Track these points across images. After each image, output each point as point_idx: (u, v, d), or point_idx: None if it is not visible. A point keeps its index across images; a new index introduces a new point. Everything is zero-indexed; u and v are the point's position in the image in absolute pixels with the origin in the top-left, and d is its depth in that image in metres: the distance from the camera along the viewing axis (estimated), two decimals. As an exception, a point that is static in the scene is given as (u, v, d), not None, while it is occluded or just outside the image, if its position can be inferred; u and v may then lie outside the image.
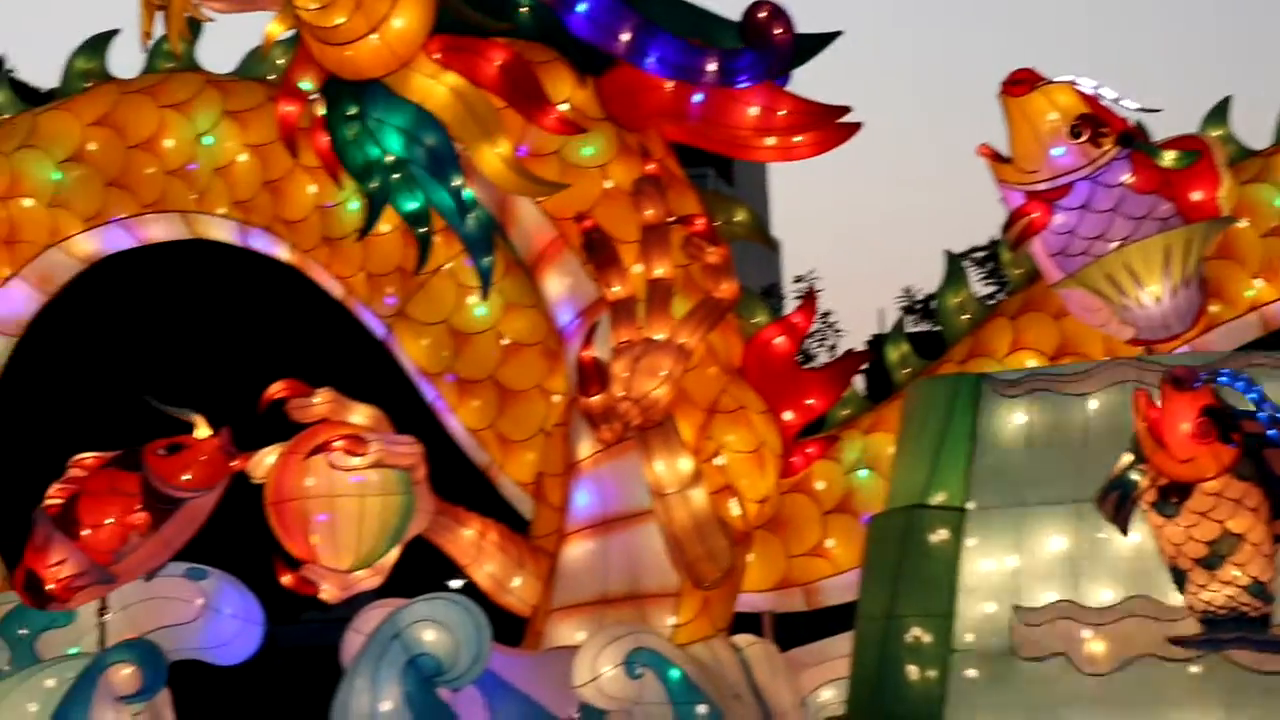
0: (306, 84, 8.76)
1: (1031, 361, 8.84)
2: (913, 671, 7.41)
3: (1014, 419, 7.59)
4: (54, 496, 8.45)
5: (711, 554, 8.15)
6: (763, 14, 8.46)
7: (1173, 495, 6.71)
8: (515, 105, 8.56)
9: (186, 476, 8.41)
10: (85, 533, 8.32)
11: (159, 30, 9.29)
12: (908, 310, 29.03)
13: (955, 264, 9.55)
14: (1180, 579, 6.86)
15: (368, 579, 8.57)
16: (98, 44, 10.28)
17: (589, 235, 8.00)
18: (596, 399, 7.67)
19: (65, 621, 8.95)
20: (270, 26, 8.74)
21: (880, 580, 7.75)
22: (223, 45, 10.08)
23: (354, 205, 9.61)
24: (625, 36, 8.61)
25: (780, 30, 8.45)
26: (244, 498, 8.59)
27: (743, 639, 8.70)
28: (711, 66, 8.52)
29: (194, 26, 9.47)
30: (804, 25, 8.55)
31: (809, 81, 8.73)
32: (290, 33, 8.78)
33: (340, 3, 8.40)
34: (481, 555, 9.01)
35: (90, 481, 8.42)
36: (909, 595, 7.54)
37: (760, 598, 9.10)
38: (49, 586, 8.36)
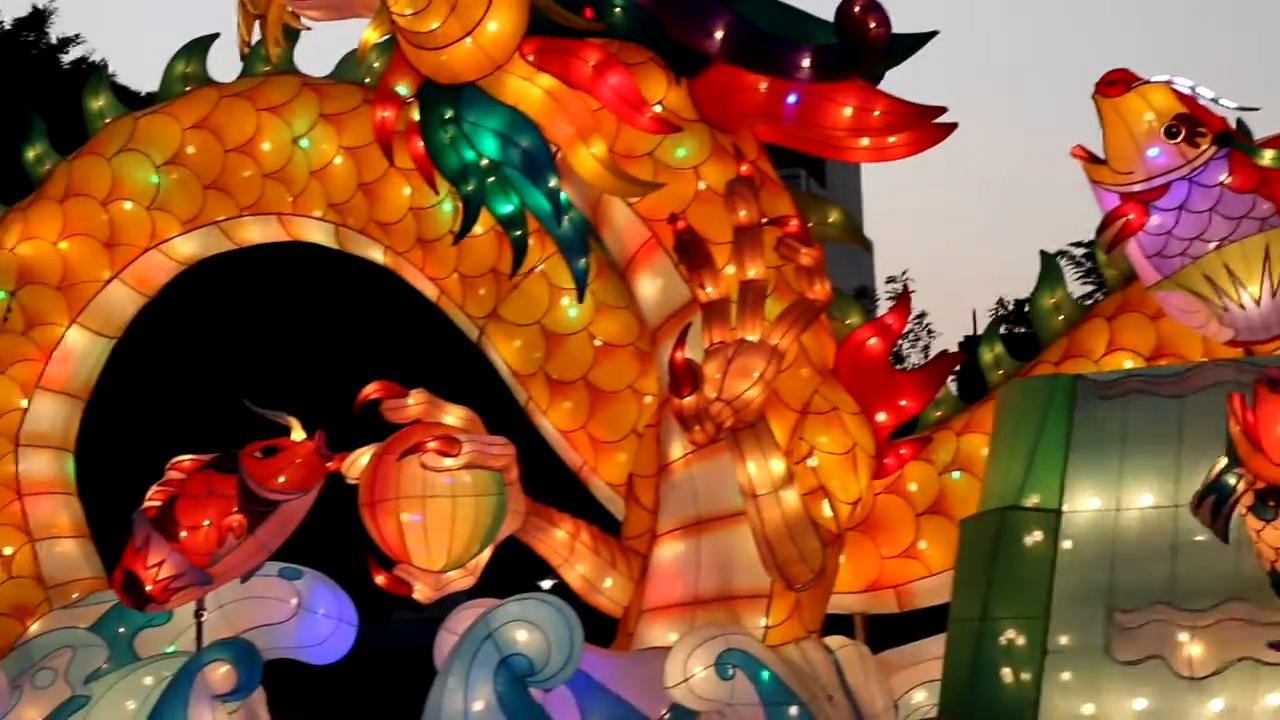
0: (402, 88, 8.81)
1: (1128, 363, 8.75)
2: (1006, 674, 7.37)
3: (1110, 421, 7.53)
4: (153, 498, 8.55)
5: (803, 556, 8.12)
6: (857, 8, 8.42)
7: (1270, 499, 6.64)
8: (609, 105, 8.57)
9: (282, 479, 8.49)
10: (183, 535, 8.41)
11: (257, 36, 9.37)
12: (1000, 317, 28.88)
13: (1051, 264, 9.48)
14: (1278, 583, 6.79)
15: (460, 579, 8.60)
16: (197, 48, 10.40)
17: (682, 236, 7.99)
18: (689, 400, 7.66)
19: (163, 620, 9.06)
20: (366, 33, 8.80)
21: (974, 582, 7.71)
22: (319, 48, 10.18)
23: (448, 207, 9.68)
24: (719, 34, 8.60)
25: (875, 24, 8.41)
26: (338, 498, 8.66)
27: (835, 641, 8.66)
28: (805, 62, 8.49)
29: (290, 34, 9.56)
30: (898, 25, 8.51)
31: (903, 82, 8.70)
32: (386, 38, 8.82)
33: (435, 7, 8.44)
34: (573, 556, 9.03)
35: (188, 484, 8.52)
36: (1003, 597, 7.49)
37: (852, 599, 9.07)
38: (148, 588, 8.46)
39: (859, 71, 8.52)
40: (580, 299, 9.20)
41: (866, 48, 8.42)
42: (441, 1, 8.41)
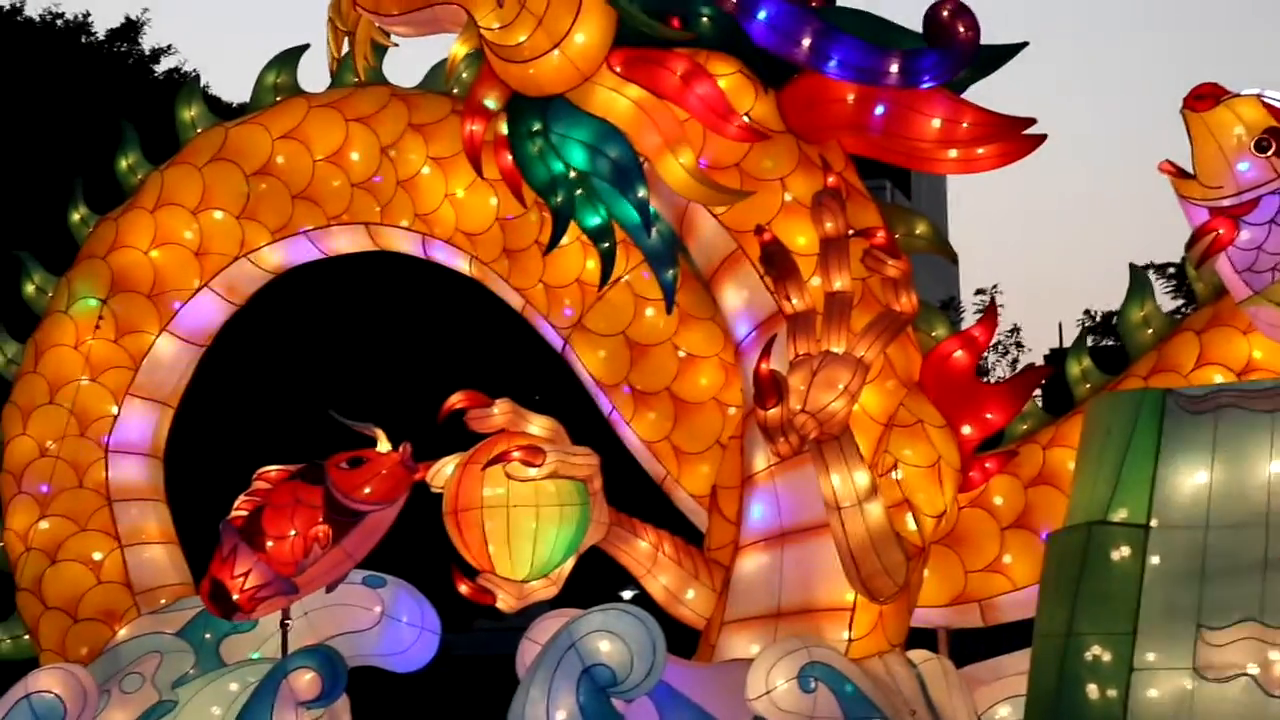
0: (490, 102, 8.84)
1: (1218, 377, 8.65)
2: (1092, 690, 7.30)
3: (1200, 435, 7.44)
4: (240, 508, 8.63)
5: (887, 569, 8.08)
6: (946, 11, 8.38)
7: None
8: (697, 114, 8.58)
9: (367, 490, 8.54)
10: (269, 544, 8.48)
11: (345, 50, 9.44)
12: (1088, 330, 28.67)
13: (1139, 277, 9.39)
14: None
15: (543, 589, 8.63)
16: (288, 59, 10.49)
17: (768, 248, 7.97)
18: (773, 412, 7.64)
19: (248, 627, 9.13)
20: (454, 47, 8.84)
21: (1059, 597, 7.65)
22: (409, 58, 10.24)
23: (534, 217, 9.70)
24: (806, 41, 8.58)
25: (964, 28, 8.37)
26: (422, 506, 8.70)
27: (918, 654, 8.62)
28: (894, 67, 8.46)
29: (379, 50, 9.63)
30: (990, 35, 8.47)
31: (991, 92, 8.65)
32: (474, 52, 8.86)
33: (522, 21, 8.47)
34: (656, 567, 9.04)
35: (274, 494, 8.58)
36: (1089, 613, 7.42)
37: (936, 613, 9.01)
38: (234, 597, 8.54)
39: (948, 75, 8.48)
40: (669, 310, 9.19)
41: (955, 52, 8.38)
42: (529, 15, 8.44)
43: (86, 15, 25.24)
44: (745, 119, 8.61)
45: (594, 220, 8.93)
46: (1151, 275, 10.16)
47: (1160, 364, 8.94)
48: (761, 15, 8.65)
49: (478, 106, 8.88)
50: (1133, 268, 9.43)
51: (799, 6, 8.65)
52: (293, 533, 8.48)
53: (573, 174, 8.79)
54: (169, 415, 10.55)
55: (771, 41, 8.67)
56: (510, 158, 8.86)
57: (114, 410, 10.26)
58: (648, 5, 8.62)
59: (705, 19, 8.69)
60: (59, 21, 24.91)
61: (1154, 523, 7.38)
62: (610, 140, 8.64)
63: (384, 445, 8.63)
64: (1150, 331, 9.16)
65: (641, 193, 8.64)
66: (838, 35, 8.56)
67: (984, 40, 8.45)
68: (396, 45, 9.42)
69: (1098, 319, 29.82)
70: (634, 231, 8.87)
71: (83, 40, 24.88)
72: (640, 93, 8.63)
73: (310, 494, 8.54)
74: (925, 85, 8.48)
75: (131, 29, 25.66)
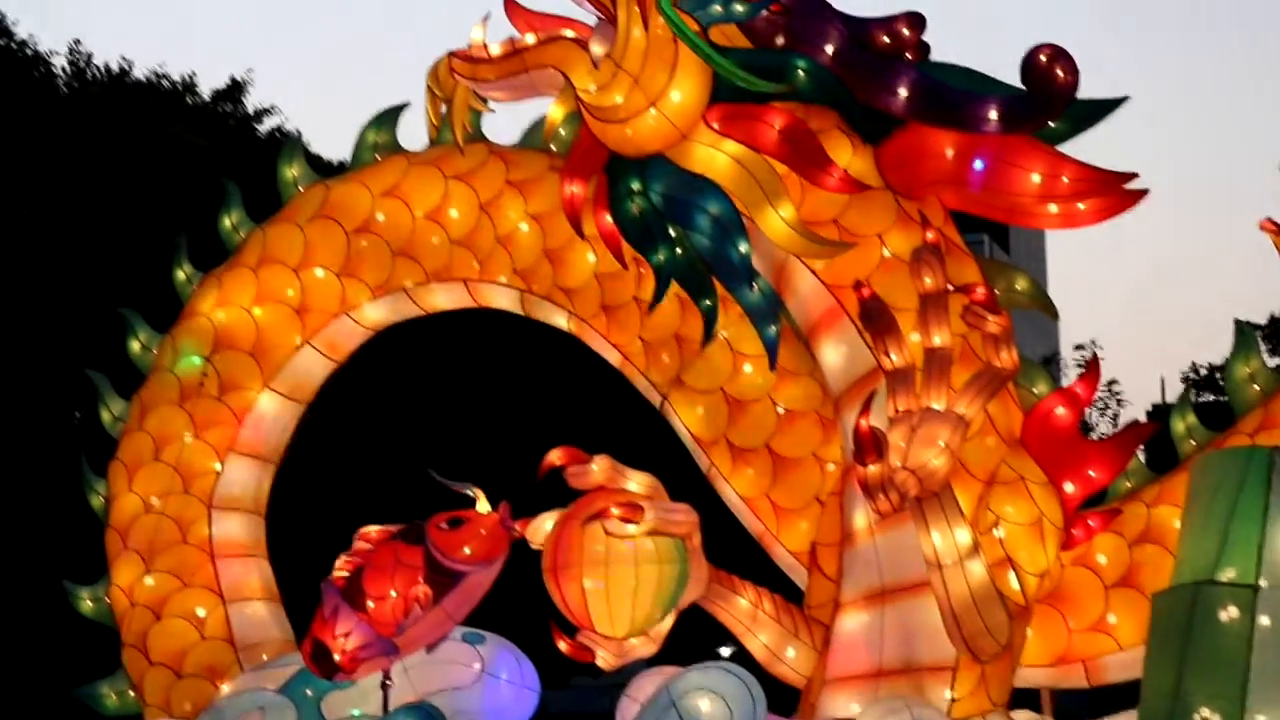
0: (589, 163, 8.87)
1: (1326, 435, 8.52)
2: (1201, 754, 7.18)
3: (1309, 494, 7.33)
4: (341, 568, 8.67)
5: (990, 628, 7.99)
6: (1044, 56, 8.32)
7: None
8: (796, 167, 8.55)
9: (467, 550, 8.56)
10: (370, 605, 8.52)
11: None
12: (1191, 384, 28.30)
13: (1245, 332, 9.27)
14: None
15: (642, 646, 8.60)
16: (388, 117, 10.60)
17: (867, 304, 7.94)
18: (873, 469, 7.59)
19: (349, 684, 9.16)
20: (551, 110, 8.88)
21: (1166, 658, 7.53)
22: (506, 113, 10.30)
23: (631, 273, 9.71)
24: (903, 91, 8.55)
25: (1063, 72, 8.31)
26: (521, 563, 8.70)
27: (1022, 715, 8.51)
28: (993, 114, 8.41)
29: (476, 115, 9.70)
30: (1095, 90, 8.41)
31: (1093, 147, 8.59)
32: (571, 113, 8.90)
33: (618, 82, 8.50)
34: (756, 625, 8.99)
35: (375, 554, 8.62)
36: (1197, 674, 7.30)
37: (1040, 673, 8.89)
38: (336, 657, 8.58)
39: (1048, 120, 8.42)
40: (772, 367, 9.14)
41: (1054, 96, 8.32)
42: (625, 75, 8.47)
43: (192, 76, 25.68)
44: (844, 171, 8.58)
45: (694, 278, 8.92)
46: (1258, 332, 10.01)
47: (1267, 421, 8.80)
48: (858, 66, 8.63)
49: (576, 168, 8.91)
50: (1238, 324, 9.31)
51: (895, 57, 8.63)
52: (393, 593, 8.51)
53: (673, 231, 8.79)
54: (271, 471, 10.64)
55: (868, 92, 8.64)
56: (610, 218, 8.88)
57: (217, 467, 10.37)
58: (744, 60, 8.62)
59: (801, 72, 8.67)
60: (165, 82, 25.32)
61: (1263, 583, 7.26)
62: (710, 196, 8.63)
63: (483, 505, 8.65)
64: (1256, 388, 9.03)
65: (744, 248, 8.62)
66: (935, 84, 8.53)
67: (1083, 94, 8.39)
68: (493, 111, 9.49)
69: (1201, 374, 29.46)
70: (734, 287, 8.84)
71: (189, 101, 25.27)
72: (738, 148, 8.62)
73: (411, 554, 8.56)
74: (1025, 130, 8.43)
75: (236, 89, 26.06)
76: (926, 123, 8.57)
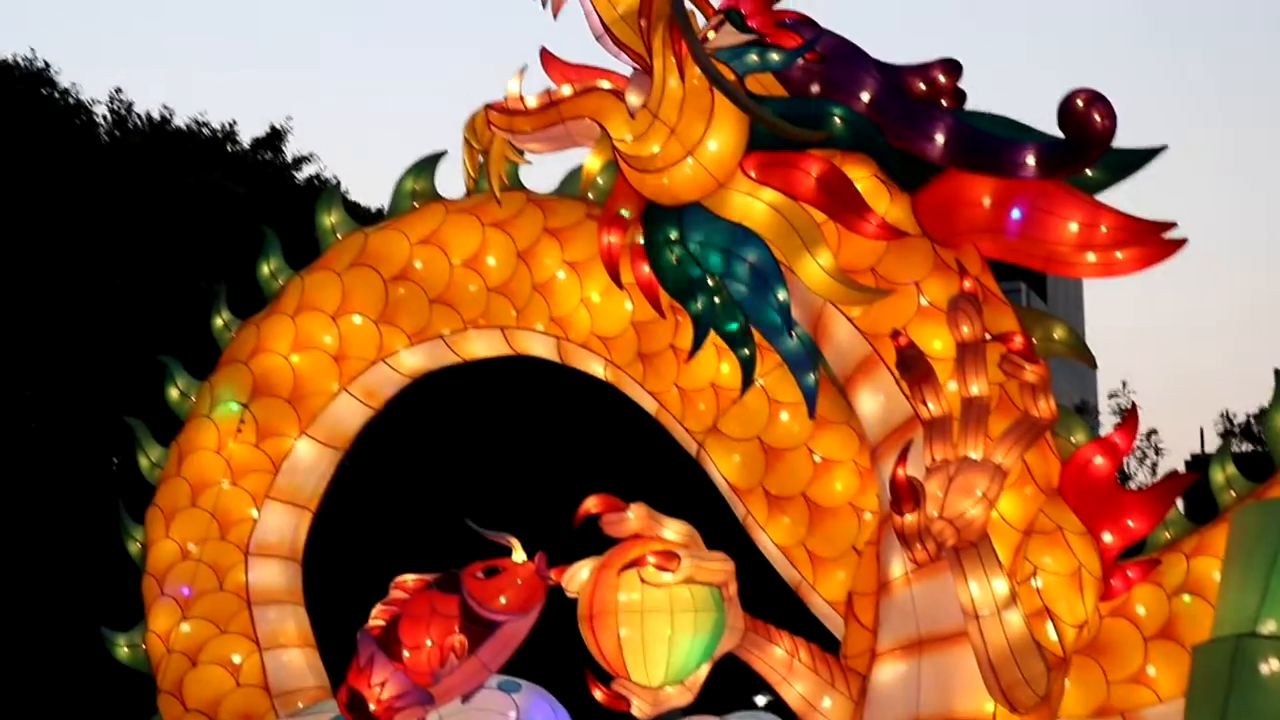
0: (626, 212, 8.90)
1: (1368, 486, 8.46)
2: (1242, 807, 7.12)
3: (1350, 545, 7.28)
4: (377, 617, 8.67)
5: (1028, 679, 7.94)
6: (1081, 100, 8.31)
7: None
8: (833, 214, 8.56)
9: (503, 600, 8.56)
10: (406, 654, 8.52)
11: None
12: (1227, 434, 28.15)
13: (1285, 383, 9.22)
14: None
15: (678, 695, 8.56)
16: (426, 165, 10.64)
17: (904, 352, 7.92)
18: (910, 518, 7.57)
19: (384, 731, 9.13)
20: (588, 161, 8.91)
21: (1207, 711, 7.47)
22: (544, 161, 10.33)
23: (668, 321, 9.72)
24: (939, 137, 8.55)
25: (1100, 116, 8.30)
26: (556, 610, 8.69)
27: (1060, 766, 8.45)
28: (1030, 159, 8.40)
29: (513, 167, 9.74)
30: (1134, 137, 8.39)
31: (1129, 197, 8.57)
32: (608, 163, 8.93)
33: (655, 131, 8.52)
34: (792, 674, 8.95)
35: (411, 603, 8.62)
36: (1238, 728, 7.25)
37: (1079, 725, 8.84)
38: (371, 706, 8.57)
39: (1086, 164, 8.41)
40: (811, 415, 9.12)
41: (1092, 142, 8.30)
42: (661, 125, 8.49)
43: (232, 124, 25.89)
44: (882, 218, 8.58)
45: (732, 326, 8.91)
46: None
47: (1308, 471, 8.75)
48: (894, 113, 8.65)
49: (613, 218, 8.93)
50: (1277, 373, 9.26)
51: (931, 104, 8.64)
52: (429, 642, 8.51)
53: (711, 280, 8.80)
54: (307, 519, 10.66)
55: (905, 138, 8.65)
56: (647, 268, 8.89)
57: (254, 514, 10.39)
58: (780, 109, 8.64)
59: (838, 120, 8.68)
60: (205, 130, 25.53)
61: (1304, 635, 7.21)
62: (748, 244, 8.64)
63: (519, 554, 8.66)
64: (1296, 438, 8.97)
65: (782, 295, 8.61)
66: (971, 130, 8.53)
67: (1121, 144, 8.38)
68: (530, 163, 9.53)
69: (1238, 423, 29.30)
70: (773, 336, 8.84)
71: (228, 149, 25.47)
72: (776, 195, 8.63)
73: (446, 603, 8.56)
74: (1063, 176, 8.42)
75: (275, 137, 26.26)
76: (963, 169, 8.56)
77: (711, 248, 8.70)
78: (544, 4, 8.79)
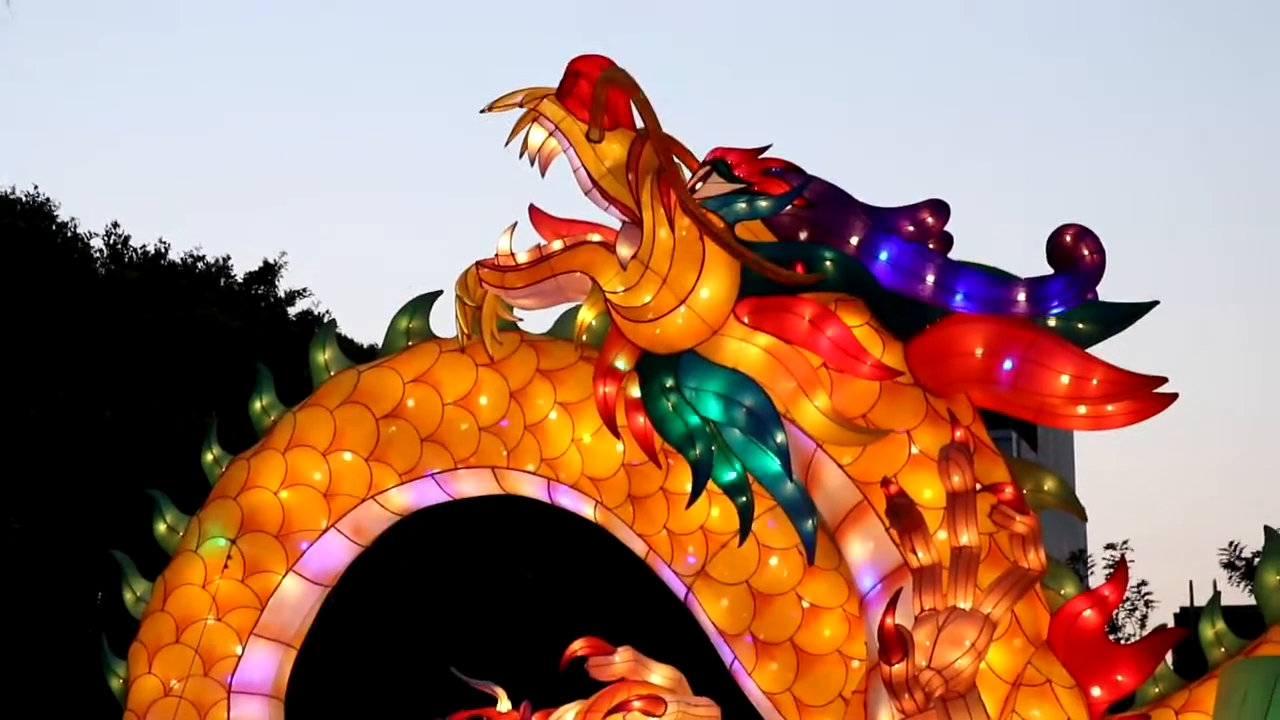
0: (621, 363, 8.94)
1: (1357, 646, 8.43)
2: None
3: (1340, 705, 7.24)
4: None
5: (1016, 831, 7.87)
6: (1069, 236, 8.42)
7: None
8: (828, 357, 8.60)
9: None
10: None
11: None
12: (1228, 565, 28.00)
13: (1275, 540, 9.22)
14: None
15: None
16: (421, 304, 10.67)
17: (894, 500, 7.94)
18: (898, 667, 7.54)
19: None
20: (581, 313, 8.97)
21: None
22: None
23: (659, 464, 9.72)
24: (930, 278, 8.63)
25: (1089, 251, 8.40)
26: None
27: None
28: (1021, 296, 8.49)
29: (505, 325, 9.81)
30: (1116, 294, 8.48)
31: (1119, 346, 8.64)
32: (601, 315, 8.98)
33: (647, 281, 8.59)
34: (778, 821, 8.87)
35: None
36: None
37: None
38: None
39: (1077, 300, 8.49)
40: (810, 561, 9.10)
41: (1083, 276, 8.39)
42: (653, 275, 8.57)
43: (227, 258, 26.00)
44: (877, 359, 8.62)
45: (729, 474, 8.91)
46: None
47: (1298, 629, 8.72)
48: (884, 256, 8.74)
49: (608, 369, 8.97)
50: (1268, 531, 9.26)
51: (920, 246, 8.73)
52: None
53: (709, 427, 8.81)
54: (292, 656, 10.58)
55: (895, 280, 8.72)
56: (642, 419, 8.92)
57: (238, 650, 10.31)
58: (770, 253, 8.72)
59: (829, 263, 8.77)
60: (200, 265, 25.63)
61: (1293, 794, 7.15)
62: (744, 389, 8.68)
63: (504, 704, 8.61)
64: (1287, 595, 8.96)
65: (780, 438, 8.63)
66: (961, 269, 8.62)
67: (1111, 300, 8.46)
68: (521, 320, 9.62)
69: (1240, 555, 28.94)
70: (770, 482, 8.84)
71: (222, 283, 25.56)
72: (770, 340, 8.69)
73: None
74: (1055, 311, 8.50)
75: (269, 272, 26.36)
76: (955, 308, 8.64)
77: (708, 394, 8.73)
78: (532, 162, 8.89)
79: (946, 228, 8.87)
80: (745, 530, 9.04)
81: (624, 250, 8.70)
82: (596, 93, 8.55)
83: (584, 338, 9.95)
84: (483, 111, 8.85)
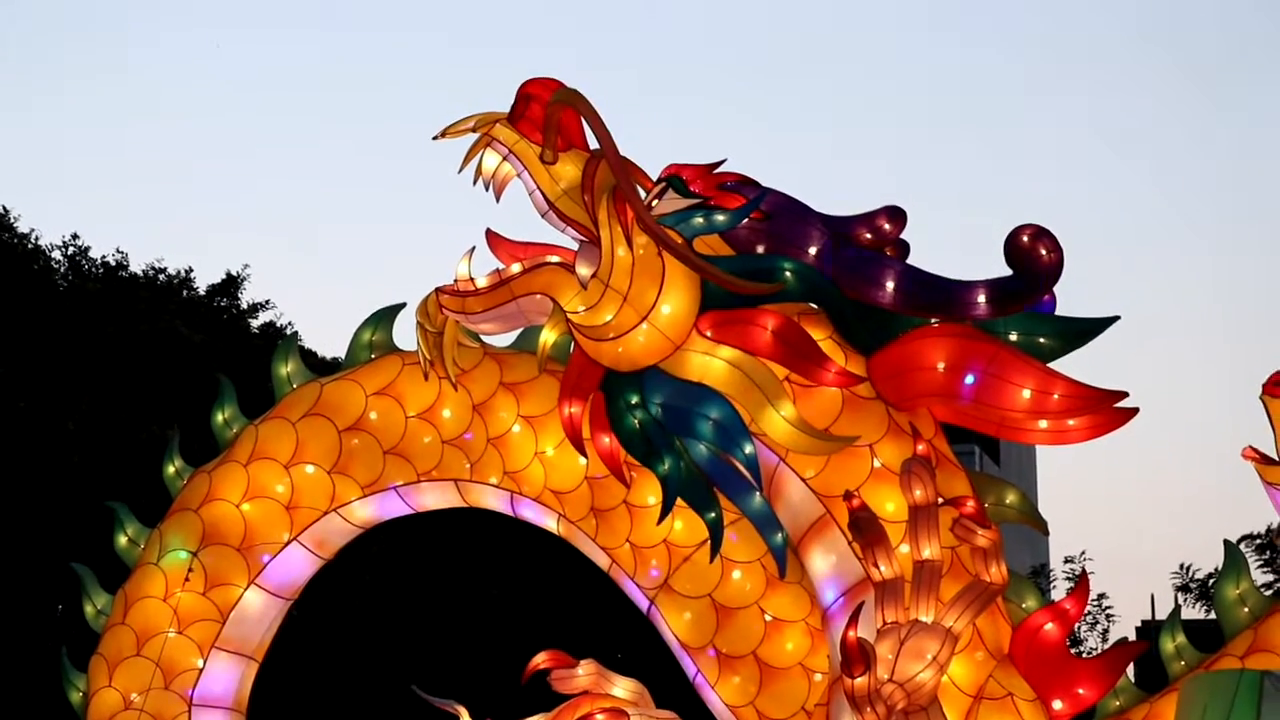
0: (585, 383, 8.93)
1: (1316, 658, 8.48)
2: None
3: (1299, 718, 7.28)
4: None
5: (978, 846, 7.89)
6: (1026, 236, 8.47)
7: None
8: (791, 366, 8.62)
9: None
10: None
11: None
12: (1183, 589, 28.15)
13: (1235, 553, 9.27)
14: None
15: None
16: (384, 317, 10.65)
17: (856, 514, 7.96)
18: (860, 680, 7.56)
19: None
20: (544, 334, 8.95)
21: None
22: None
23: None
24: (890, 284, 8.66)
25: (1046, 250, 8.45)
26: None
27: None
28: (980, 297, 8.53)
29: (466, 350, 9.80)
30: (1080, 309, 8.52)
31: (1083, 361, 8.68)
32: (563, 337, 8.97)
33: (608, 300, 8.60)
34: (740, 834, 8.88)
35: None
36: None
37: None
38: None
39: (1036, 299, 8.53)
40: (782, 575, 9.10)
41: (1040, 275, 8.43)
42: (614, 293, 8.58)
43: (189, 270, 25.90)
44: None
45: (698, 490, 8.91)
46: (1247, 551, 10.01)
47: (1257, 644, 8.77)
48: (843, 264, 8.75)
49: (573, 388, 8.96)
50: (1228, 544, 9.32)
51: (878, 252, 8.76)
52: None
53: (676, 442, 8.81)
54: (254, 669, 10.53)
55: (855, 287, 8.75)
56: (608, 439, 8.91)
57: (199, 663, 10.26)
58: (730, 266, 8.74)
59: (789, 274, 8.79)
60: (161, 277, 25.52)
61: (1253, 807, 7.18)
62: (710, 402, 8.68)
63: None
64: (1246, 610, 9.02)
65: (749, 449, 8.64)
66: (921, 274, 8.66)
67: (1073, 314, 8.50)
68: (482, 344, 9.60)
69: (1193, 578, 29.09)
70: (739, 495, 8.84)
71: (184, 295, 25.45)
72: (734, 352, 8.70)
73: None
74: (1014, 311, 8.54)
75: (231, 284, 26.27)
76: (916, 313, 8.67)
77: (674, 409, 8.73)
78: (487, 187, 8.89)
79: (903, 235, 8.91)
80: (716, 547, 9.02)
81: (583, 270, 8.70)
82: (549, 114, 8.55)
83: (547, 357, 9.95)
84: (435, 138, 8.83)
